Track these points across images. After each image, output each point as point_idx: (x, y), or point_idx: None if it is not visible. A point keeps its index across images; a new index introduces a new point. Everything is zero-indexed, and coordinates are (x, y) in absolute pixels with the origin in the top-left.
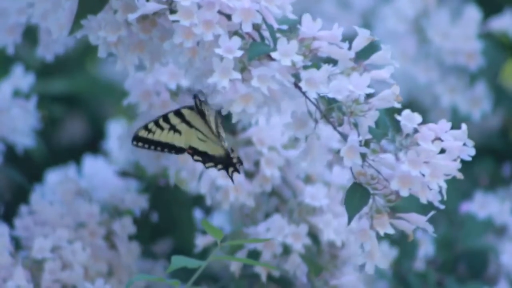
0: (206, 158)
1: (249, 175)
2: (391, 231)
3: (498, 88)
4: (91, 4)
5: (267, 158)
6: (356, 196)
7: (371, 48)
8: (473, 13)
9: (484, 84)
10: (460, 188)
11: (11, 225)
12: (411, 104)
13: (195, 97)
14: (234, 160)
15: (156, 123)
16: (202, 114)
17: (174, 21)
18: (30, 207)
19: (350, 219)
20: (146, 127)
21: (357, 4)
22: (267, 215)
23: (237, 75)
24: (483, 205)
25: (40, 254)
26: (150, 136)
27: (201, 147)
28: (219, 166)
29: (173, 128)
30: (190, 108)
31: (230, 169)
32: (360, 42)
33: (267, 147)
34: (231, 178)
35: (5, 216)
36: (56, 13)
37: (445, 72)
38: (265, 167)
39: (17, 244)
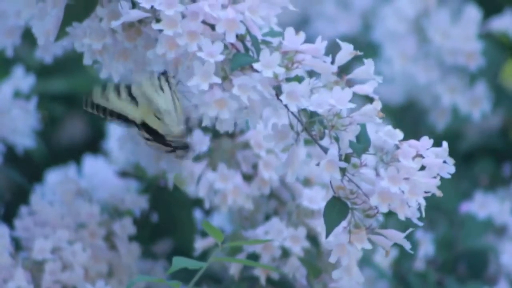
0: (156, 137)
1: (248, 178)
2: (368, 246)
3: (498, 88)
4: (77, 11)
5: (265, 161)
6: (335, 210)
7: (358, 58)
8: (473, 13)
9: (484, 84)
10: (460, 188)
11: (11, 225)
12: (411, 104)
13: (162, 74)
14: (182, 145)
15: (116, 89)
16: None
17: (159, 30)
18: (30, 207)
19: (328, 233)
20: (103, 94)
21: (357, 4)
22: (266, 217)
23: (217, 80)
24: (483, 205)
25: (41, 255)
26: (104, 103)
27: (154, 125)
28: (168, 149)
29: (132, 99)
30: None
31: (179, 152)
32: (343, 56)
33: (265, 150)
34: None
35: (5, 216)
36: (42, 19)
37: (445, 72)
38: (263, 170)
39: (17, 245)
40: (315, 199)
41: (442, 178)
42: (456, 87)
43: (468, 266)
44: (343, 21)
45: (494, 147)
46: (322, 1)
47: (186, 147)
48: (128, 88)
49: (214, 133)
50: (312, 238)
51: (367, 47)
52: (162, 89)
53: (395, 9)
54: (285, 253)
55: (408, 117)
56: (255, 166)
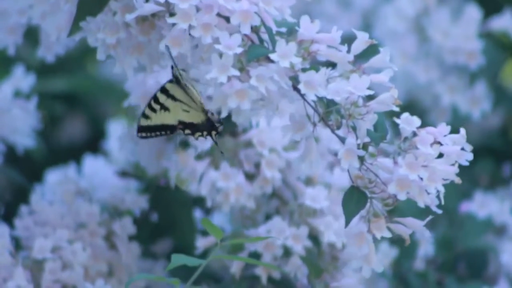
0: (193, 129)
1: (250, 177)
2: (388, 235)
3: (498, 87)
4: (90, 6)
5: (268, 160)
6: (354, 200)
7: (371, 51)
8: (473, 13)
9: (484, 84)
10: (460, 188)
11: (11, 225)
12: (411, 103)
13: (172, 68)
14: (215, 122)
15: (150, 107)
16: (178, 82)
17: (173, 24)
18: (30, 207)
19: (347, 222)
20: (144, 115)
21: (358, 3)
22: (268, 217)
23: (235, 72)
24: (483, 205)
25: (40, 254)
26: (149, 122)
27: (187, 118)
28: (205, 133)
29: (163, 107)
30: (170, 81)
31: (213, 133)
32: (359, 45)
33: (268, 149)
34: (215, 141)
35: (5, 216)
36: (54, 15)
37: (445, 72)
38: (266, 169)
39: (17, 244)
40: (318, 198)
41: None
42: (456, 86)
43: (468, 265)
44: (344, 20)
45: (494, 147)
46: (322, 0)
47: (219, 121)
48: (156, 99)
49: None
50: (314, 237)
51: (369, 49)
52: (163, 106)
53: (395, 8)
54: (287, 252)
55: None
56: (257, 165)
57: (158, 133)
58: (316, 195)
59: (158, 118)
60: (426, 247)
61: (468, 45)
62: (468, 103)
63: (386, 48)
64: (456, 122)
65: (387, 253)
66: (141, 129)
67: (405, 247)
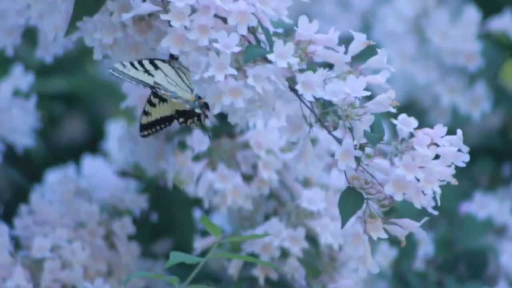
0: (186, 116)
1: (247, 178)
2: (384, 236)
3: (498, 88)
4: (87, 6)
5: (265, 161)
6: (350, 200)
7: (368, 52)
8: (472, 13)
9: (483, 84)
10: (460, 188)
11: (10, 224)
12: (410, 104)
13: (171, 57)
14: (201, 105)
15: (150, 102)
16: (171, 62)
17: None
18: (29, 206)
19: (343, 223)
20: (145, 112)
21: (357, 4)
22: (267, 217)
23: (232, 71)
24: (483, 205)
25: (40, 254)
26: (149, 119)
27: (180, 106)
28: (195, 119)
29: (161, 99)
30: (163, 60)
31: (202, 116)
32: (356, 46)
33: (265, 150)
34: (203, 124)
35: (5, 215)
36: (52, 14)
37: (445, 72)
38: (263, 170)
39: (17, 244)
40: (314, 200)
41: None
42: (455, 87)
43: (467, 266)
44: (343, 21)
45: (494, 147)
46: (321, 1)
47: (205, 106)
48: (154, 93)
49: (214, 133)
50: (311, 238)
51: (367, 50)
52: (148, 71)
53: (394, 9)
54: (284, 254)
55: None
56: (254, 167)
57: (158, 127)
58: (313, 197)
59: (157, 112)
60: (426, 247)
61: (467, 46)
62: (467, 104)
63: (383, 50)
64: (456, 122)
65: (386, 253)
66: (143, 127)
67: (405, 247)
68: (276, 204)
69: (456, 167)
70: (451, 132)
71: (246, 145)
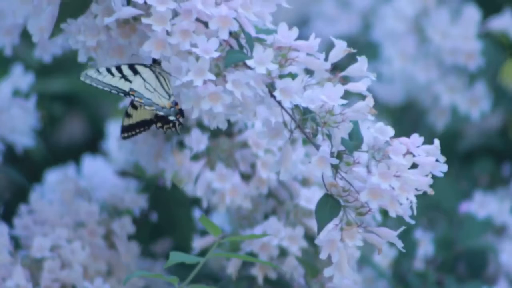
0: (163, 121)
1: (246, 178)
2: (360, 243)
3: (498, 87)
4: (71, 8)
5: (263, 160)
6: (327, 207)
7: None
8: (472, 13)
9: (483, 84)
10: (460, 187)
11: (10, 224)
12: (410, 103)
13: (154, 61)
14: (176, 113)
15: (132, 104)
16: (152, 67)
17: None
18: (29, 206)
19: (319, 230)
20: (127, 113)
21: (357, 3)
22: (266, 216)
23: (211, 76)
24: (483, 205)
25: (40, 253)
26: (131, 121)
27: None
28: (171, 125)
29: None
30: (144, 65)
31: (177, 123)
32: (337, 53)
33: (263, 149)
34: (178, 132)
35: (5, 215)
36: (37, 16)
37: (445, 72)
38: (261, 169)
39: (17, 243)
40: (313, 199)
41: (441, 178)
42: (455, 86)
43: (467, 265)
44: (343, 21)
45: (494, 147)
46: (321, 0)
47: (180, 113)
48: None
49: (212, 133)
50: (310, 237)
51: (366, 47)
52: (125, 77)
53: (394, 9)
54: (283, 253)
55: (408, 117)
56: (253, 166)
57: (138, 130)
58: (311, 196)
59: (138, 115)
60: (426, 247)
61: (467, 45)
62: (467, 103)
63: (363, 58)
64: (456, 122)
65: (386, 253)
66: (124, 129)
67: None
68: (274, 203)
69: (456, 167)
70: (451, 131)
71: (244, 145)
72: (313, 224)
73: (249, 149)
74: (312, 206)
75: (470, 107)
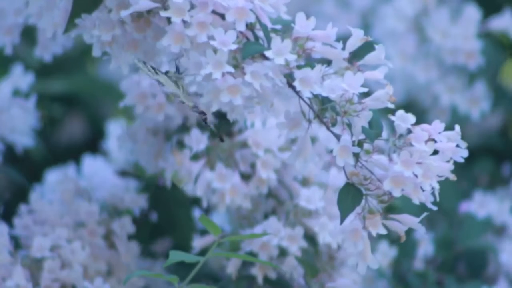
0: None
1: (246, 178)
2: (383, 231)
3: (498, 87)
4: (85, 3)
5: (263, 160)
6: (349, 197)
7: (366, 48)
8: (472, 13)
9: (483, 84)
10: (460, 187)
11: (10, 224)
12: (410, 103)
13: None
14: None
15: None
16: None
17: (168, 21)
18: (29, 206)
19: (342, 219)
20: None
21: (357, 3)
22: (266, 216)
23: (229, 68)
24: (483, 205)
25: (40, 253)
26: None
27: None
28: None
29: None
30: (166, 72)
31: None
32: (354, 42)
33: (263, 149)
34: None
35: (5, 215)
36: (51, 12)
37: (445, 72)
38: (261, 169)
39: (17, 243)
40: (312, 199)
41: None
42: (455, 86)
43: (467, 265)
44: (343, 20)
45: (494, 147)
46: (321, 0)
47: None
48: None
49: (212, 132)
50: (310, 237)
51: (366, 46)
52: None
53: (394, 8)
54: (283, 253)
55: None
56: (253, 166)
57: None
58: (311, 196)
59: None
60: (426, 247)
61: (467, 45)
62: (467, 103)
63: (381, 45)
64: (456, 122)
65: (386, 252)
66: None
67: (404, 247)
68: (274, 203)
69: (456, 167)
70: (450, 130)
71: (244, 144)
72: (313, 224)
73: (249, 149)
74: (312, 206)
75: (470, 107)
